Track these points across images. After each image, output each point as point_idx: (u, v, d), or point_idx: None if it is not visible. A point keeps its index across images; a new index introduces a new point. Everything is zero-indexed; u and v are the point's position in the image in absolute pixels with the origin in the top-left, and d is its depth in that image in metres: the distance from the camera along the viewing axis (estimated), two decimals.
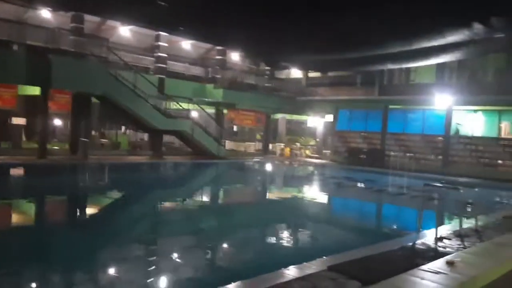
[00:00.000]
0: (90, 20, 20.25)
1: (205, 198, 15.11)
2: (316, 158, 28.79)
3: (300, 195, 16.19)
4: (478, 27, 14.16)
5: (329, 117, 29.46)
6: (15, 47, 18.19)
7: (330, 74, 29.14)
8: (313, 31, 16.28)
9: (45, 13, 19.06)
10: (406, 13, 13.54)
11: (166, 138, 24.82)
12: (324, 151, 29.61)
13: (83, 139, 18.95)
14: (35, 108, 18.84)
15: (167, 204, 13.01)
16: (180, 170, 21.85)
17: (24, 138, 20.60)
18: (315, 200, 15.34)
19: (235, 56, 28.37)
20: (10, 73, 16.76)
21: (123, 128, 26.95)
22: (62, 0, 16.87)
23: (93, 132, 23.00)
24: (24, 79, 17.32)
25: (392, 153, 23.50)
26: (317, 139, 32.68)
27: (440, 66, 23.19)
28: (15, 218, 10.10)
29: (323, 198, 16.27)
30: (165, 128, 21.55)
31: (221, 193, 16.71)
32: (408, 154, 22.86)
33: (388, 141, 25.12)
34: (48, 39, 18.03)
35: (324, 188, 18.47)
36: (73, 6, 18.10)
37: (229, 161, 23.91)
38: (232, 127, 33.84)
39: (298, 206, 13.49)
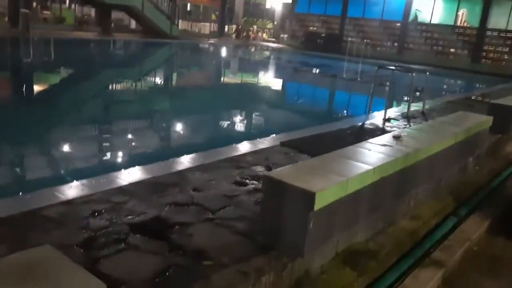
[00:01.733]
0: None
1: (156, 79, 14.67)
2: (273, 42, 28.22)
3: (254, 79, 16.12)
4: None
5: None
6: None
7: None
8: None
9: None
10: None
11: (115, 14, 23.12)
12: (281, 35, 28.95)
13: (23, 10, 17.19)
14: None
15: (115, 84, 12.53)
16: (129, 49, 20.77)
17: None
18: (269, 85, 15.36)
19: None
20: None
21: (67, 1, 24.61)
22: None
23: (34, 4, 20.90)
24: None
25: (349, 39, 23.40)
26: (275, 22, 31.67)
27: None
28: None
29: (277, 83, 16.30)
30: (113, 3, 19.95)
31: (172, 75, 16.22)
32: (365, 41, 22.84)
33: (347, 26, 24.79)
34: None
35: (278, 73, 18.42)
36: None
37: (182, 41, 22.92)
38: (186, 5, 31.81)
39: (252, 90, 13.48)
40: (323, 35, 25.46)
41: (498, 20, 20.45)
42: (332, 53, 22.71)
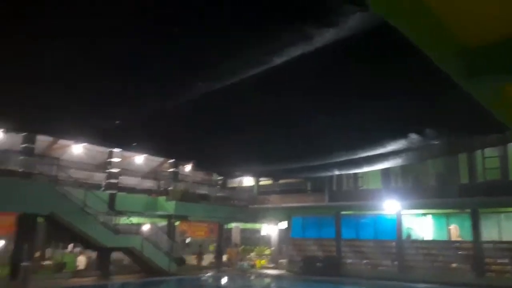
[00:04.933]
0: (43, 139, 20.14)
1: None
2: (272, 268, 28.11)
3: None
4: (414, 137, 15.59)
5: (283, 225, 29.53)
6: None
7: (281, 181, 29.90)
8: (263, 142, 17.09)
9: None
10: (351, 127, 14.71)
11: (115, 254, 23.55)
12: (280, 260, 29.08)
13: (25, 263, 17.57)
14: None
15: None
16: None
17: None
18: None
19: (187, 168, 28.68)
20: None
21: (69, 247, 25.30)
22: (13, 123, 16.80)
23: (37, 254, 21.41)
24: None
25: (348, 261, 23.48)
26: (272, 248, 32.23)
27: (384, 172, 24.45)
28: None
29: None
30: (114, 246, 20.60)
31: None
32: (364, 261, 22.95)
33: (343, 247, 25.23)
34: None
35: None
36: (24, 128, 18.06)
37: (181, 277, 22.75)
38: (184, 240, 32.81)
39: None
40: (321, 258, 25.66)
41: (489, 231, 21.05)
42: (332, 276, 22.45)
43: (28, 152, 19.06)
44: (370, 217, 25.04)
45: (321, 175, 24.05)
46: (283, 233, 29.91)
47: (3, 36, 6.60)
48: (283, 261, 28.37)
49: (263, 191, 31.23)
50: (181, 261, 24.70)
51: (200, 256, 28.21)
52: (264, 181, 31.22)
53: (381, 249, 24.07)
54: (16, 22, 6.23)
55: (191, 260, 29.16)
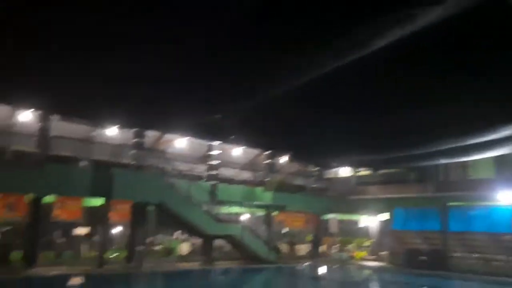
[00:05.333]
0: (150, 134, 21.91)
1: None
2: (372, 260, 27.31)
3: None
4: None
5: (383, 216, 28.49)
6: (82, 163, 19.72)
7: (381, 172, 28.86)
8: (363, 131, 16.56)
9: (111, 131, 20.75)
10: (461, 113, 13.57)
11: (218, 242, 24.72)
12: (380, 252, 28.13)
13: (139, 248, 19.36)
14: (97, 219, 19.68)
15: None
16: (229, 276, 21.25)
17: (85, 248, 21.18)
18: None
19: (283, 159, 28.99)
20: (77, 187, 18.05)
21: (176, 234, 27.19)
22: (127, 120, 18.48)
23: (148, 239, 23.39)
24: (89, 192, 18.52)
25: (456, 255, 21.89)
26: (372, 240, 31.28)
27: (498, 160, 22.27)
28: None
29: None
30: (216, 233, 21.65)
31: None
32: (475, 255, 21.22)
33: (451, 241, 23.57)
34: (112, 154, 19.55)
35: None
36: (136, 124, 19.84)
37: (280, 265, 23.14)
38: (281, 230, 33.30)
39: None
40: (425, 251, 24.27)
41: None
42: (437, 270, 21.12)
43: (139, 146, 20.83)
44: (482, 209, 22.99)
45: (425, 164, 22.73)
46: (384, 225, 28.85)
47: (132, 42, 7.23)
48: (384, 253, 27.41)
49: (362, 182, 30.39)
50: (277, 250, 25.16)
51: (296, 246, 28.43)
52: (363, 172, 30.36)
53: (495, 243, 22.02)
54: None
55: (288, 249, 29.56)
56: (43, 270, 16.56)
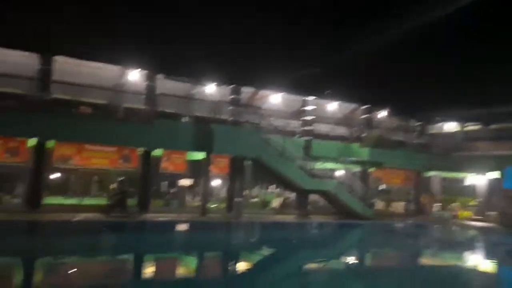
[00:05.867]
0: (246, 91, 22.46)
1: (351, 260, 14.46)
2: (477, 220, 25.60)
3: (465, 263, 14.35)
4: None
5: (493, 175, 26.26)
6: (184, 119, 21.04)
7: (493, 126, 26.35)
8: (472, 81, 15.16)
9: (209, 88, 21.68)
10: None
11: (312, 196, 25.04)
12: (487, 212, 26.21)
13: (238, 199, 20.48)
14: (199, 171, 21.12)
15: (312, 265, 12.82)
16: (324, 230, 21.57)
17: (189, 198, 23.01)
18: (481, 270, 13.34)
19: (381, 114, 27.81)
20: (181, 141, 19.48)
21: (271, 187, 28.11)
22: (225, 77, 19.12)
23: (245, 192, 24.53)
24: (192, 146, 19.86)
25: None
26: (478, 199, 29.17)
27: None
28: (181, 271, 10.99)
29: (492, 268, 14.06)
30: (311, 188, 21.87)
31: (368, 256, 15.75)
32: None
33: None
34: (211, 111, 20.58)
35: (492, 256, 15.97)
36: (233, 81, 20.47)
37: (376, 222, 22.78)
38: (378, 186, 32.52)
39: (464, 274, 11.98)
40: None
41: None
42: None
43: (235, 102, 21.54)
44: None
45: None
46: (493, 184, 26.66)
47: None
48: (492, 213, 25.51)
49: (470, 137, 28.09)
50: (373, 207, 24.78)
51: (393, 203, 27.69)
52: (471, 126, 27.97)
53: None
54: None
55: (384, 206, 28.91)
56: (154, 216, 18.42)
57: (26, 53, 17.30)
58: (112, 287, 8.40)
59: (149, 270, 10.72)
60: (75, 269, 9.89)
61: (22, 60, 17.57)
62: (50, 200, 18.38)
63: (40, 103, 17.13)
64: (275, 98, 23.87)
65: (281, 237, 17.15)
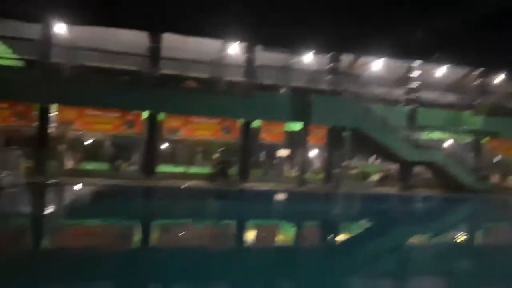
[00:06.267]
0: (345, 59, 21.75)
1: (456, 237, 13.52)
2: None
3: None
4: None
5: None
6: (282, 90, 21.16)
7: None
8: None
9: (307, 58, 21.39)
10: None
11: (415, 169, 23.81)
12: None
13: (336, 170, 20.25)
14: (297, 142, 21.25)
15: (413, 239, 12.23)
16: (428, 204, 20.33)
17: (287, 168, 23.37)
18: None
19: (498, 78, 25.06)
20: (279, 112, 19.70)
21: (371, 159, 27.28)
22: (323, 45, 18.71)
23: (344, 163, 24.15)
24: (289, 117, 19.99)
25: None
26: None
27: None
28: (283, 238, 11.32)
29: None
30: (415, 160, 20.80)
31: (478, 234, 14.58)
32: None
33: None
34: (309, 81, 20.35)
35: None
36: (332, 48, 19.96)
37: (489, 196, 20.96)
38: (493, 158, 29.67)
39: None
40: None
41: None
42: None
43: (334, 71, 21.01)
44: None
45: None
46: None
47: None
48: None
49: None
50: (485, 179, 22.79)
51: (510, 177, 25.15)
52: None
53: None
54: None
55: (499, 180, 26.41)
56: (254, 185, 19.10)
57: (138, 33, 18.70)
58: (221, 249, 8.95)
59: (251, 236, 11.21)
60: (186, 231, 10.72)
61: (134, 39, 19.05)
62: (162, 168, 20.04)
63: (151, 79, 18.54)
64: (376, 65, 22.74)
65: (385, 210, 16.65)
